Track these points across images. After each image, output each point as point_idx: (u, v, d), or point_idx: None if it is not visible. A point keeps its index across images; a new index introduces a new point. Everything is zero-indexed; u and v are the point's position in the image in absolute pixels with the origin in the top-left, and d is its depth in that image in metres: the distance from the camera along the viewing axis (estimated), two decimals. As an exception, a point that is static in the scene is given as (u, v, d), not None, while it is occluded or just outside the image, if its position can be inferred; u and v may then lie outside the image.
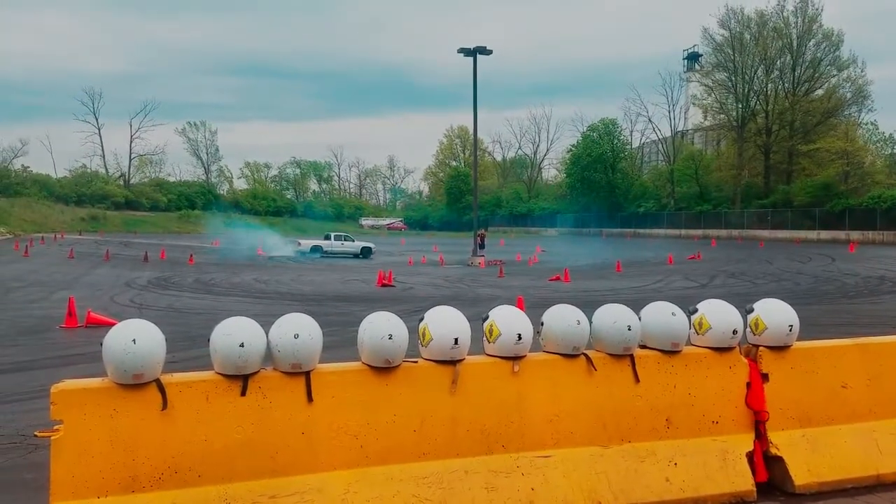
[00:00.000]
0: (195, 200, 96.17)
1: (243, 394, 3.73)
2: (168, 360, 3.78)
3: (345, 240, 40.56)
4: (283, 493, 3.70)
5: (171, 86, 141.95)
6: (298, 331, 3.83)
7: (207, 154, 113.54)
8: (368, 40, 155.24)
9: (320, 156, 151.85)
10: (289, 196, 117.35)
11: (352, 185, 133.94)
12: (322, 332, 3.98)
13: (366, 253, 38.81)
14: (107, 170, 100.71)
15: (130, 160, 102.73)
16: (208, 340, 3.77)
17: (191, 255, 33.29)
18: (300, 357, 3.81)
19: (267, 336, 3.84)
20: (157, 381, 3.62)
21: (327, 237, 40.80)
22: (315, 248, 39.05)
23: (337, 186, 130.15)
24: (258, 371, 3.80)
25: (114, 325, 3.77)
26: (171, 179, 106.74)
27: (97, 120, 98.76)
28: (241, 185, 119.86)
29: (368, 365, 4.02)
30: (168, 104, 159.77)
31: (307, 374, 3.86)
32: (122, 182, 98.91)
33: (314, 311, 13.75)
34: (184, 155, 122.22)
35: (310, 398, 3.84)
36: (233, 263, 31.45)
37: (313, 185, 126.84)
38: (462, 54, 34.30)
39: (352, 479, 3.84)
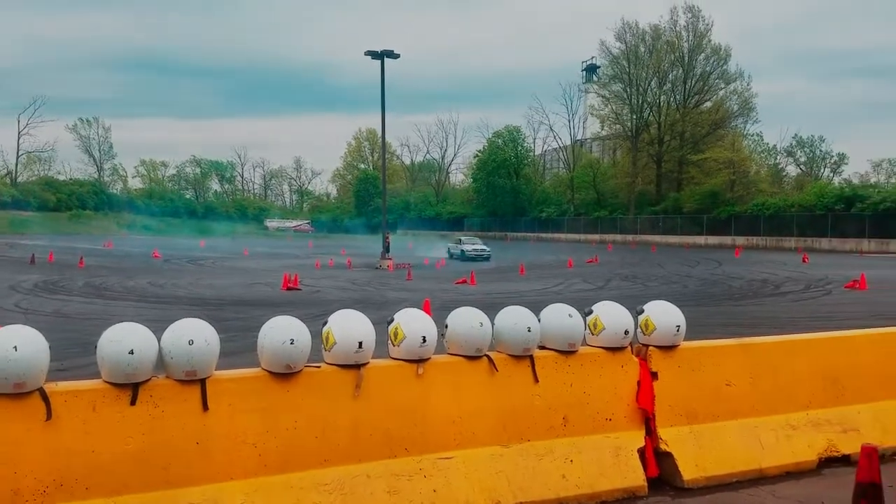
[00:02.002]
0: (87, 200, 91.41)
1: (133, 403, 3.59)
2: (56, 368, 3.60)
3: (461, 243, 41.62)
4: (176, 504, 3.58)
5: (61, 81, 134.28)
6: (193, 336, 3.71)
7: (100, 152, 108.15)
8: (272, 39, 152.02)
9: (222, 155, 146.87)
10: (188, 196, 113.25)
11: (256, 186, 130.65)
12: (221, 338, 3.88)
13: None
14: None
15: (18, 157, 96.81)
16: (96, 347, 3.61)
17: (81, 258, 31.64)
18: (195, 364, 3.69)
19: (159, 342, 3.70)
20: (41, 391, 3.44)
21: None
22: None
23: (240, 187, 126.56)
24: (149, 379, 3.66)
25: (-6, 331, 3.55)
26: (62, 178, 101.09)
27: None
28: (136, 184, 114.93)
29: (269, 371, 3.95)
30: (59, 100, 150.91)
31: (202, 382, 3.74)
32: (8, 180, 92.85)
33: (214, 316, 13.37)
34: (75, 152, 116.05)
35: (205, 406, 3.73)
36: (127, 266, 30.13)
37: (215, 186, 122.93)
38: (370, 57, 34.20)
39: (249, 489, 3.75)
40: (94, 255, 36.66)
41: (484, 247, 39.75)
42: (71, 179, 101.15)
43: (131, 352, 3.53)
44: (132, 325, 3.70)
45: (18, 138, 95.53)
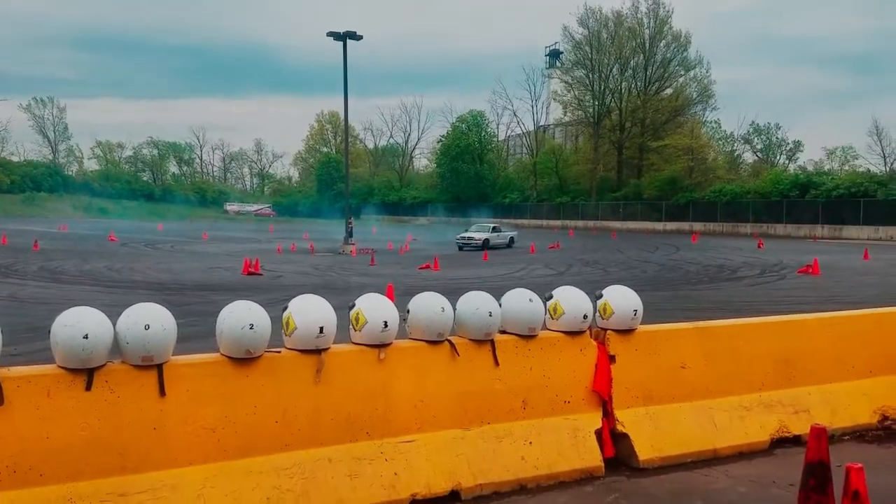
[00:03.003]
0: (41, 182, 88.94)
1: (88, 388, 3.53)
2: (9, 353, 3.52)
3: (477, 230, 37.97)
4: (133, 490, 3.54)
5: (14, 59, 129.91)
6: (149, 321, 3.65)
7: (55, 132, 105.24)
8: (232, 17, 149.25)
9: (180, 137, 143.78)
10: (145, 178, 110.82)
11: (216, 169, 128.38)
12: (179, 323, 3.83)
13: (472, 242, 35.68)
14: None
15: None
16: (49, 332, 3.53)
17: (35, 241, 30.86)
18: (151, 349, 3.64)
19: (115, 327, 3.64)
20: (-8, 376, 3.35)
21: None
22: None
23: (199, 169, 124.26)
24: (105, 364, 3.60)
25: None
26: (15, 159, 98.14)
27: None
28: (91, 165, 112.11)
29: (228, 356, 3.91)
30: (11, 78, 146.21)
31: (159, 367, 3.70)
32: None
33: (172, 301, 13.19)
34: (29, 133, 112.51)
35: (162, 392, 3.68)
36: (83, 250, 29.50)
37: (173, 168, 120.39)
38: (332, 38, 33.78)
39: (209, 475, 3.73)
40: (48, 238, 35.83)
41: (472, 234, 36.90)
42: (25, 160, 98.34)
43: (86, 336, 3.47)
44: (87, 309, 3.63)
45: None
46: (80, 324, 3.50)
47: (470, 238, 36.41)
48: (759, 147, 78.26)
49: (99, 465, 3.52)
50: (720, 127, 76.00)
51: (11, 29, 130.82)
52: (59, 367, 3.53)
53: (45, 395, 3.46)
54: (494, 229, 38.35)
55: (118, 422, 3.59)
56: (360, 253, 30.71)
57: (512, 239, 38.10)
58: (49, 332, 3.55)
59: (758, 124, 76.86)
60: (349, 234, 33.93)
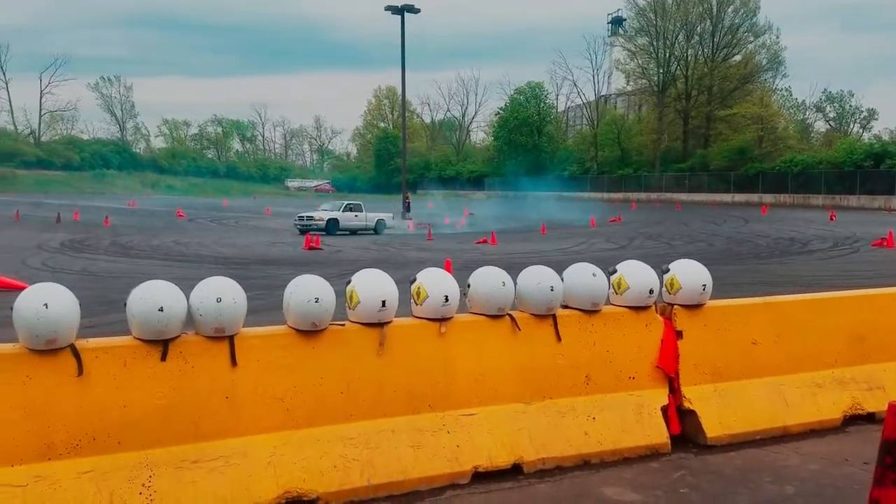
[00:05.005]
0: (110, 159, 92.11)
1: (163, 359, 3.65)
2: (85, 325, 3.66)
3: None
4: (206, 457, 3.66)
5: (82, 39, 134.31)
6: (221, 294, 3.75)
7: (122, 111, 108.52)
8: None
9: (243, 114, 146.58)
10: (210, 156, 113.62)
11: (277, 146, 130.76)
12: (246, 296, 3.92)
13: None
14: (15, 127, 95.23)
15: (41, 116, 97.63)
16: (125, 305, 3.66)
17: (106, 217, 32.05)
18: (223, 321, 3.74)
19: (188, 300, 3.75)
20: (72, 347, 3.49)
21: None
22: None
23: (261, 146, 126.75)
24: (179, 336, 3.72)
25: (25, 288, 3.61)
26: (85, 137, 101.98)
27: (4, 74, 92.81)
28: (158, 143, 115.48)
29: (295, 328, 3.99)
30: (80, 58, 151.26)
31: (231, 339, 3.80)
32: (31, 139, 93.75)
33: (238, 275, 13.49)
34: (97, 112, 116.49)
35: (234, 362, 3.79)
36: (151, 225, 30.50)
37: (236, 145, 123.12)
38: (389, 12, 33.77)
39: (278, 443, 3.83)
40: (118, 214, 37.16)
41: (314, 213, 29.79)
42: (94, 139, 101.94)
43: (161, 309, 3.58)
44: (161, 282, 3.75)
45: (41, 97, 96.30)
46: (154, 297, 3.62)
47: (310, 218, 29.13)
48: (831, 116, 75.01)
49: (173, 432, 3.65)
50: (791, 95, 73.02)
51: (78, 9, 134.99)
52: (135, 338, 3.66)
53: (122, 365, 3.59)
54: (350, 208, 30.89)
55: (192, 391, 3.71)
56: (417, 228, 30.81)
57: (381, 222, 30.72)
58: (124, 304, 3.67)
59: (830, 92, 73.53)
60: (406, 209, 34.11)
